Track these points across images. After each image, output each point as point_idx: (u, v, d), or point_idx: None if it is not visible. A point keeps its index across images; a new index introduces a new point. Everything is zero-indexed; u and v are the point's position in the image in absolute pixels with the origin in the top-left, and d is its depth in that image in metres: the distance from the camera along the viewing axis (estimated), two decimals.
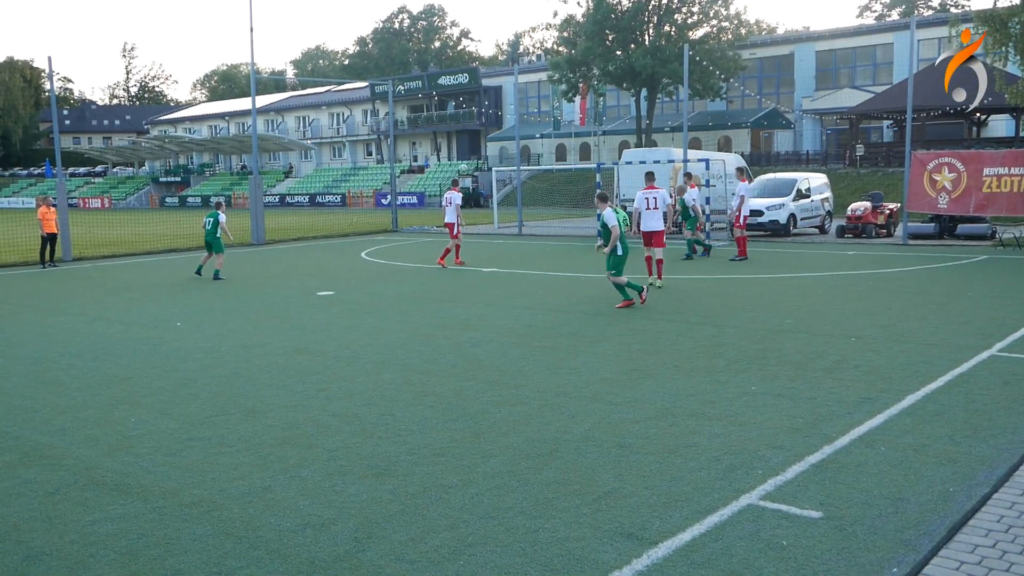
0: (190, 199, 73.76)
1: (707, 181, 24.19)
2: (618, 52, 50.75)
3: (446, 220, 20.00)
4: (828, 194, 28.38)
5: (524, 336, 10.65)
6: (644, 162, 27.01)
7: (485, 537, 4.71)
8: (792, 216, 25.64)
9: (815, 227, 27.13)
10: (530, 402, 7.50)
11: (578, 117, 60.77)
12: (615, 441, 6.33)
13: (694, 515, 4.94)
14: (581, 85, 54.35)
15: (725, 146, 52.87)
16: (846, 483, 5.39)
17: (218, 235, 18.05)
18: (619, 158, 33.14)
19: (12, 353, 10.33)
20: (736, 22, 52.44)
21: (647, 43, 50.35)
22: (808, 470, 5.64)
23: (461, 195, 20.56)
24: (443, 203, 21.38)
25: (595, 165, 28.67)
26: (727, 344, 9.83)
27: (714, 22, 51.71)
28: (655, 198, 14.85)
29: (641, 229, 14.94)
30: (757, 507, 5.04)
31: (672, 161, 27.13)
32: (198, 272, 18.48)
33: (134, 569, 4.43)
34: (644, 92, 52.59)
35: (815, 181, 27.92)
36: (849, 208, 25.60)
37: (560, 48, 56.00)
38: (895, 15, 78.23)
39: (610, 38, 51.25)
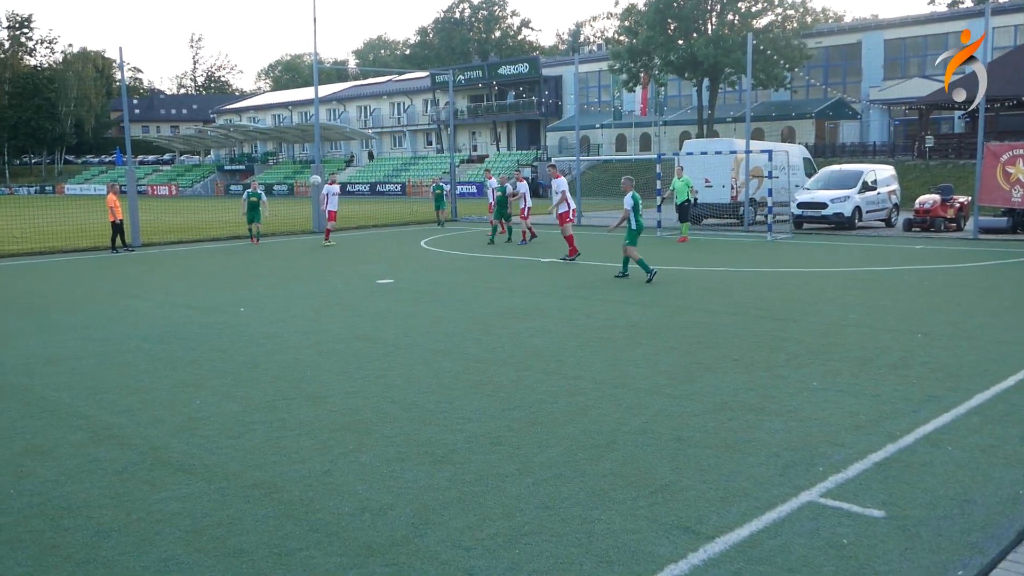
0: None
1: (769, 173, 23.79)
2: (680, 41, 50.19)
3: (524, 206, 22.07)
4: (895, 186, 27.72)
5: (582, 327, 10.63)
6: (705, 153, 26.68)
7: (541, 527, 4.72)
8: (857, 209, 25.11)
9: (881, 220, 26.52)
10: (587, 393, 7.49)
11: (639, 107, 60.29)
12: (673, 434, 6.29)
13: (752, 511, 4.88)
14: (642, 75, 53.90)
15: (789, 137, 51.94)
16: (910, 483, 5.28)
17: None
18: (680, 149, 32.79)
19: (84, 335, 10.65)
20: (802, 10, 51.46)
21: (710, 32, 49.69)
22: (871, 468, 5.53)
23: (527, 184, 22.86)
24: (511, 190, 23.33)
25: (655, 156, 28.39)
26: (788, 338, 9.68)
27: (779, 10, 50.79)
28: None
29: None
30: (817, 504, 4.96)
31: (734, 152, 26.76)
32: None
33: (198, 546, 4.54)
34: (706, 82, 51.94)
35: (882, 173, 27.30)
36: (917, 201, 24.94)
37: (621, 37, 55.59)
38: (968, 2, 75.86)
39: (672, 27, 50.70)
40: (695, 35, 49.85)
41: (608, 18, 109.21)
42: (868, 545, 4.43)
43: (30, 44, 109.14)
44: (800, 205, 25.41)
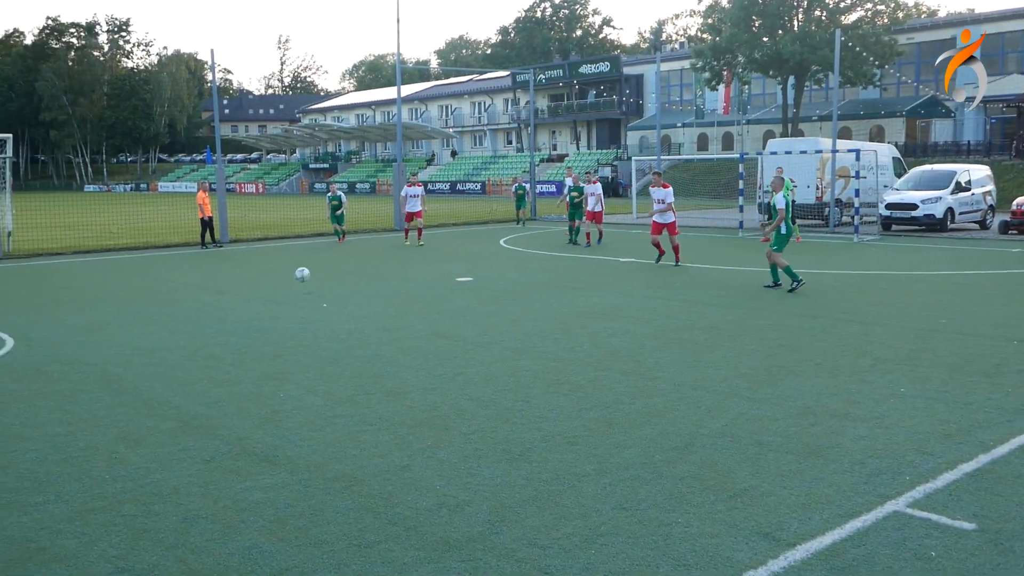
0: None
1: (856, 173, 23.19)
2: (765, 38, 49.21)
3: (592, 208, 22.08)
4: (991, 187, 26.66)
5: (661, 328, 10.53)
6: (789, 152, 26.14)
7: (617, 527, 4.70)
8: (950, 210, 24.25)
9: (975, 222, 25.53)
10: (666, 394, 7.42)
11: (721, 106, 59.35)
12: (753, 438, 6.18)
13: (835, 519, 4.77)
14: (725, 73, 53.02)
15: (878, 136, 50.47)
16: (1003, 495, 5.08)
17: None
18: (763, 148, 32.20)
19: (174, 328, 11.01)
20: (893, 5, 49.88)
21: (796, 29, 48.59)
22: (961, 479, 5.34)
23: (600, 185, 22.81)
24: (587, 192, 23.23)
25: (738, 155, 27.94)
26: (875, 343, 9.42)
27: (869, 6, 49.35)
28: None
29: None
30: (904, 514, 4.82)
31: (819, 151, 26.15)
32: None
33: (281, 536, 4.66)
34: (791, 80, 50.83)
35: (976, 173, 26.28)
36: (1015, 203, 23.95)
37: (704, 35, 54.84)
38: None
39: (757, 24, 49.74)
40: (780, 32, 48.81)
41: (691, 16, 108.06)
42: (957, 559, 4.28)
43: (127, 47, 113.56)
44: (889, 206, 24.68)
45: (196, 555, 4.45)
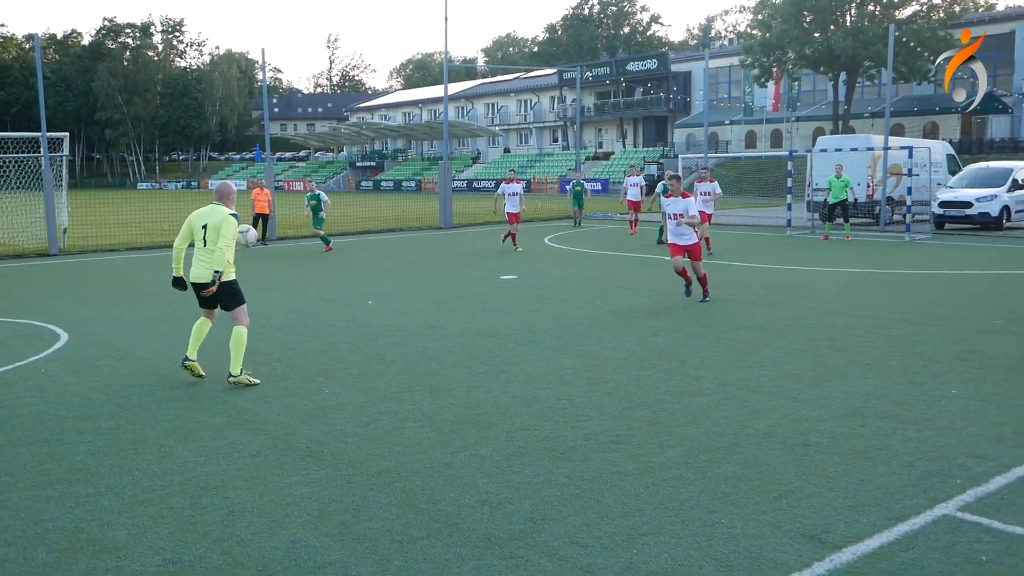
0: (383, 183, 77.11)
1: (909, 170, 22.74)
2: (816, 34, 48.48)
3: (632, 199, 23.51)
4: None
5: (706, 327, 10.43)
6: (840, 149, 25.72)
7: (660, 527, 4.67)
8: (1005, 208, 23.68)
9: None
10: (710, 394, 7.35)
11: (770, 103, 58.61)
12: (799, 439, 6.10)
13: (883, 521, 4.68)
14: (775, 69, 52.33)
15: (932, 133, 49.43)
16: None
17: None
18: (813, 145, 31.72)
19: (221, 324, 11.14)
20: None
21: (848, 24, 47.78)
22: (1015, 483, 5.21)
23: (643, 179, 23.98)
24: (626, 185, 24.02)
25: (787, 152, 27.58)
26: (926, 343, 9.23)
27: (924, 0, 48.36)
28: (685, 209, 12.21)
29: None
30: (954, 518, 4.71)
31: (871, 148, 25.69)
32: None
33: (325, 531, 4.71)
34: (843, 76, 49.99)
35: None
36: None
37: (754, 31, 54.14)
38: None
39: (808, 19, 49.01)
40: (832, 27, 48.03)
41: (740, 12, 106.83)
42: (1010, 564, 4.17)
43: (181, 47, 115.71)
44: (942, 204, 24.17)
45: (241, 548, 4.52)
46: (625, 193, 25.87)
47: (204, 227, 8.04)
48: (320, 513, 4.96)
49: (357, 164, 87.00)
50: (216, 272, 7.85)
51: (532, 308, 12.08)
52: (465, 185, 68.72)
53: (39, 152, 22.07)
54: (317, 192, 21.44)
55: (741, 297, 12.75)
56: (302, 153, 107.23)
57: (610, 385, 7.70)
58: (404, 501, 5.11)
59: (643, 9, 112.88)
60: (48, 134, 22.01)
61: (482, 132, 76.59)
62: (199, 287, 8.05)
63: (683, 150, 58.83)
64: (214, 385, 7.99)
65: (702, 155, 34.93)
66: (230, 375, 7.92)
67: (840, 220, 22.17)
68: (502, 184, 21.13)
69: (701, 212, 13.03)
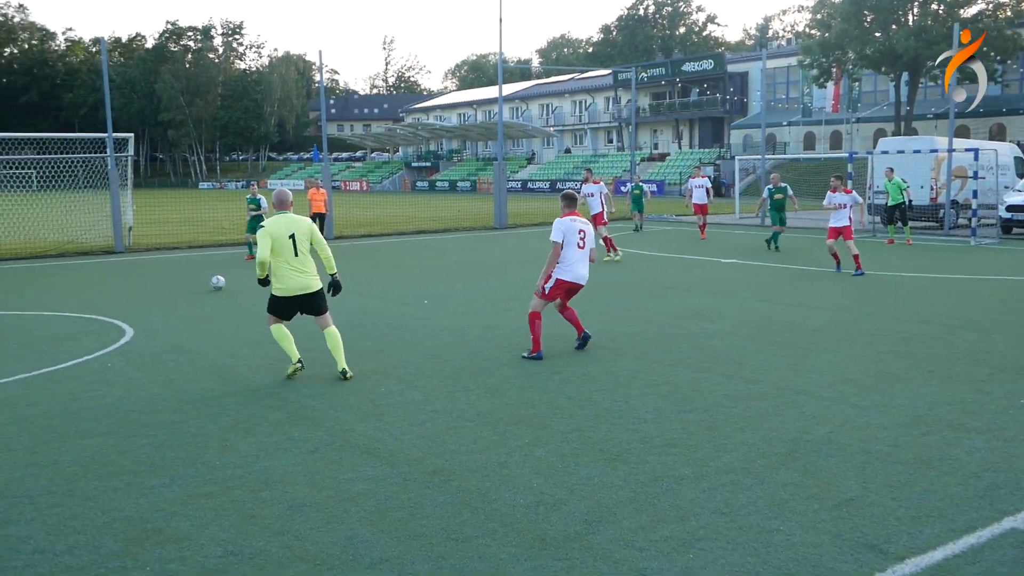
0: (439, 183, 77.58)
1: (975, 173, 22.17)
2: (877, 34, 47.53)
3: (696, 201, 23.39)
4: None
5: (763, 330, 10.30)
6: (902, 151, 25.19)
7: (716, 532, 4.62)
8: None
9: None
10: (768, 399, 7.25)
11: (830, 103, 57.65)
12: (859, 446, 5.98)
13: (947, 533, 4.57)
14: (834, 70, 51.43)
15: (998, 134, 48.15)
16: None
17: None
18: (874, 147, 31.09)
19: (257, 326, 11.33)
20: None
21: (911, 23, 46.78)
22: None
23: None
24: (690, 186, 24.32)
25: (847, 154, 27.07)
26: (992, 351, 8.99)
27: None
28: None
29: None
30: (1023, 532, 4.59)
31: (935, 151, 25.11)
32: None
33: (381, 527, 4.75)
34: (905, 76, 48.94)
35: None
36: None
37: (812, 31, 53.21)
38: None
39: (868, 19, 48.08)
40: (894, 27, 47.06)
41: (799, 11, 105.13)
42: None
43: (240, 49, 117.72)
44: (1010, 208, 23.50)
45: (300, 542, 4.59)
46: (690, 195, 23.85)
47: (291, 237, 8.11)
48: (377, 509, 5.01)
49: (412, 164, 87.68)
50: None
51: (584, 309, 12.02)
52: (520, 186, 68.77)
53: (105, 152, 22.68)
54: (258, 197, 19.60)
55: (798, 300, 12.57)
56: (358, 153, 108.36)
57: (665, 387, 7.65)
58: (459, 500, 5.14)
59: (699, 9, 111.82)
60: (114, 135, 22.61)
61: (536, 133, 76.60)
62: (301, 298, 8.15)
63: (740, 151, 58.13)
64: (273, 381, 8.12)
65: (759, 156, 34.48)
66: (344, 371, 8.13)
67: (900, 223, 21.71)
68: (581, 186, 18.85)
69: (831, 228, 15.99)
